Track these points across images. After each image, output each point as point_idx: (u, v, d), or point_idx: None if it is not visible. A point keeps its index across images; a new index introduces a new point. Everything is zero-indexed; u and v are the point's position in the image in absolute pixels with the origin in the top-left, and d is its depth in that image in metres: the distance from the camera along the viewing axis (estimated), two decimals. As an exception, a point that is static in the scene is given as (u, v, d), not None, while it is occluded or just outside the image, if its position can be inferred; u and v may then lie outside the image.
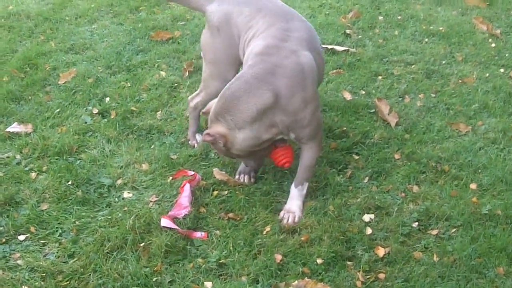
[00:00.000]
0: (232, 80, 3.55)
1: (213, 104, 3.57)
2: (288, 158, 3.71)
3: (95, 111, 4.86)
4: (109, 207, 3.77)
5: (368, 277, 3.16)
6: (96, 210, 3.76)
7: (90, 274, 3.22)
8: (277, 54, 3.54)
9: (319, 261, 3.23)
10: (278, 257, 3.26)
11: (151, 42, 6.05)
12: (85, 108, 4.92)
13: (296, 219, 3.55)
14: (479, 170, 4.01)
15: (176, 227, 3.47)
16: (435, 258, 3.26)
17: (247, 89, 3.43)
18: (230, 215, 3.62)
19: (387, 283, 3.12)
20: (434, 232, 3.48)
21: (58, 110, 4.87)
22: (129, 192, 3.89)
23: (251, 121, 3.42)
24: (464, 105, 4.83)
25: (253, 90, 3.42)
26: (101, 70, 5.54)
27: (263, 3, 3.92)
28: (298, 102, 3.47)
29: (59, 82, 5.33)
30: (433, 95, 5.04)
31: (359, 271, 3.19)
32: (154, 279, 3.15)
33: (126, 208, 3.71)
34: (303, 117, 3.51)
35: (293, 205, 3.61)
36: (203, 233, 3.46)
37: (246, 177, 3.90)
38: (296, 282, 3.07)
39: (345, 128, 4.49)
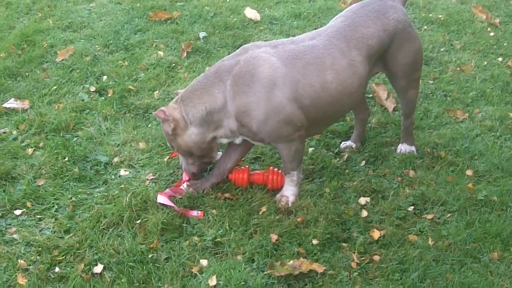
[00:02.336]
0: (201, 74, 3.61)
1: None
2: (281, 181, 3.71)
3: (92, 89, 4.85)
4: (106, 184, 3.77)
5: (363, 258, 3.17)
6: (93, 187, 3.75)
7: (86, 250, 3.22)
8: (242, 54, 3.49)
9: (314, 242, 3.24)
10: (274, 237, 3.26)
11: (149, 22, 6.04)
12: (82, 86, 4.91)
13: (289, 204, 3.55)
14: (476, 157, 4.03)
15: (172, 204, 3.47)
16: (430, 242, 3.27)
17: (205, 84, 3.47)
18: (227, 195, 3.63)
19: (382, 265, 3.13)
20: (430, 216, 3.49)
21: (55, 87, 4.85)
22: (125, 170, 3.89)
23: (200, 120, 3.48)
24: (462, 92, 4.84)
25: (208, 87, 3.45)
26: (98, 48, 5.52)
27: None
28: (240, 106, 3.39)
29: (56, 60, 5.31)
30: (431, 81, 5.04)
31: (354, 252, 3.21)
32: (150, 256, 3.16)
33: (122, 186, 3.71)
34: (248, 124, 3.41)
35: (287, 189, 3.61)
36: (199, 212, 3.47)
37: (191, 189, 3.67)
38: (291, 262, 3.07)
39: (342, 112, 4.49)
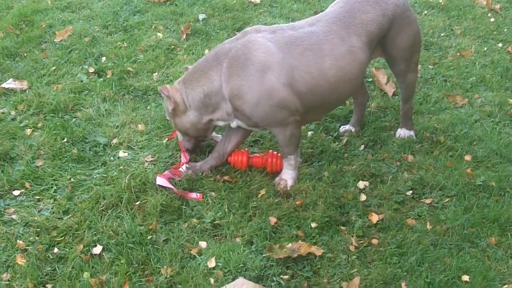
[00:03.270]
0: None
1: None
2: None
3: (91, 70, 4.83)
4: (105, 166, 3.77)
5: (361, 242, 3.18)
6: (92, 168, 3.75)
7: (85, 231, 3.22)
8: (241, 38, 3.49)
9: (313, 225, 3.25)
10: (273, 220, 3.27)
11: (148, 3, 6.00)
12: (81, 67, 4.89)
13: (288, 187, 3.55)
14: (474, 142, 4.03)
15: (171, 186, 3.47)
16: (428, 226, 3.28)
17: (204, 68, 3.51)
18: (226, 177, 3.63)
19: (380, 249, 3.14)
20: (428, 201, 3.50)
21: (53, 68, 4.83)
22: (124, 152, 3.88)
23: (199, 102, 3.53)
24: (462, 77, 4.83)
25: (207, 70, 3.49)
26: (97, 29, 5.49)
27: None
28: (233, 89, 3.40)
29: (55, 40, 5.28)
30: (430, 66, 5.03)
31: (352, 236, 3.21)
32: (149, 237, 3.16)
33: (121, 167, 3.70)
34: (240, 107, 3.42)
35: (285, 173, 3.61)
36: (198, 194, 3.47)
37: (190, 171, 3.67)
38: (290, 244, 3.08)
39: (342, 96, 4.48)
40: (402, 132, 4.09)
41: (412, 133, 4.08)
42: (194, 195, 3.46)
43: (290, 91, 3.38)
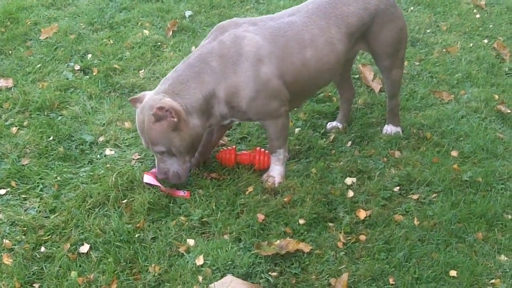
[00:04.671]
0: (180, 63, 3.44)
1: (148, 93, 3.40)
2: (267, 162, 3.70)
3: (77, 67, 4.80)
4: (91, 164, 3.74)
5: (349, 238, 3.19)
6: (78, 167, 3.73)
7: (71, 229, 3.20)
8: (221, 35, 3.42)
9: (301, 221, 3.25)
10: (261, 217, 3.27)
11: (134, 0, 5.97)
12: (66, 64, 4.85)
13: (276, 183, 3.55)
14: (461, 138, 4.05)
15: (158, 184, 3.46)
16: (416, 222, 3.30)
17: (193, 73, 3.31)
18: (213, 175, 3.62)
19: (368, 245, 3.15)
20: (415, 196, 3.51)
21: (39, 66, 4.80)
22: (111, 150, 3.86)
23: (200, 109, 3.32)
24: (448, 74, 4.85)
25: (197, 75, 3.31)
26: (83, 26, 5.45)
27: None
28: (230, 88, 3.34)
29: (40, 37, 5.24)
30: (417, 63, 5.05)
31: (340, 232, 3.22)
32: (136, 235, 3.15)
33: (108, 165, 3.68)
34: (238, 104, 3.38)
35: (273, 169, 3.61)
36: (185, 192, 3.46)
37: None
38: (278, 241, 3.08)
39: (329, 94, 4.49)
40: (389, 128, 4.10)
41: (399, 129, 4.10)
42: (181, 193, 3.45)
43: (281, 82, 3.40)
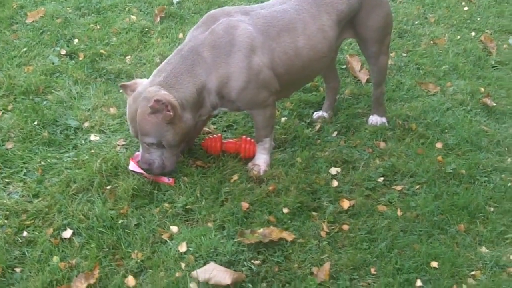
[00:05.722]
0: (173, 53, 3.41)
1: (143, 80, 3.41)
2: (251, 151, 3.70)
3: (63, 52, 4.76)
4: (76, 149, 3.73)
5: (332, 227, 3.20)
6: (62, 152, 3.71)
7: (54, 214, 3.19)
8: (213, 24, 3.39)
9: (285, 210, 3.26)
10: (245, 205, 3.27)
11: (123, -15, 5.91)
12: (52, 49, 4.82)
13: (261, 172, 3.56)
14: (446, 130, 4.07)
15: (142, 171, 3.44)
16: (399, 213, 3.31)
17: (186, 65, 3.29)
18: (199, 162, 3.62)
19: (351, 234, 3.16)
20: (399, 187, 3.53)
21: (25, 50, 4.76)
22: (96, 135, 3.85)
23: (193, 103, 3.32)
24: (434, 65, 4.87)
25: (190, 67, 3.29)
26: (70, 11, 5.41)
27: None
28: (222, 78, 3.32)
29: (26, 21, 5.20)
30: (404, 54, 5.06)
31: (324, 221, 3.23)
32: (120, 222, 3.14)
33: (93, 151, 3.67)
34: (228, 94, 3.38)
35: (259, 158, 3.62)
36: (170, 178, 3.45)
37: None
38: (261, 229, 3.09)
39: (316, 83, 4.49)
40: (374, 119, 4.11)
41: (384, 119, 4.11)
42: (166, 179, 3.45)
43: (272, 73, 3.41)
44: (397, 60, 4.90)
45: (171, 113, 3.18)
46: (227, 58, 3.31)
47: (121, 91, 4.25)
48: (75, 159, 3.60)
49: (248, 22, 3.39)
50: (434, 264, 2.98)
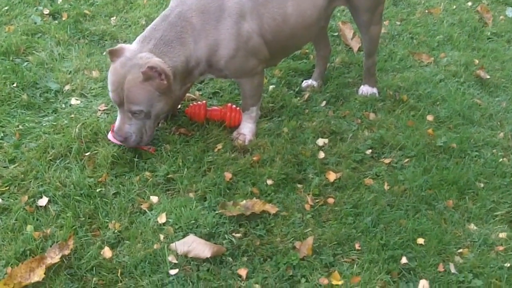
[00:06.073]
0: (158, 18, 3.22)
1: (130, 46, 3.16)
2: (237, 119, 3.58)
3: (46, 11, 4.60)
4: (55, 113, 3.60)
5: (317, 201, 3.11)
6: (41, 116, 3.58)
7: (30, 181, 3.08)
8: None
9: (269, 182, 3.16)
10: (228, 175, 3.17)
11: None
12: (35, 8, 4.66)
13: (246, 141, 3.45)
14: (438, 102, 3.96)
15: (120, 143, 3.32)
16: (386, 187, 3.22)
17: (176, 32, 3.12)
18: (182, 130, 3.50)
19: (336, 208, 3.07)
20: (387, 160, 3.43)
21: (6, 8, 4.59)
22: (77, 99, 3.72)
23: (182, 73, 3.18)
24: (429, 35, 4.74)
25: (180, 34, 3.12)
26: (54, -32, 5.22)
27: None
28: (211, 45, 3.18)
29: (8, -22, 5.01)
30: (398, 23, 4.92)
31: (308, 194, 3.14)
32: (98, 190, 3.03)
33: (72, 116, 3.55)
34: (217, 62, 3.24)
35: (244, 127, 3.50)
36: (151, 147, 3.33)
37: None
38: (244, 201, 2.99)
39: (306, 51, 4.36)
40: (364, 89, 4.00)
41: (375, 90, 4.00)
42: (146, 147, 3.33)
43: (262, 40, 3.28)
44: (390, 28, 4.77)
45: (165, 82, 3.04)
46: (216, 24, 3.17)
47: (104, 53, 4.13)
48: (54, 123, 3.48)
49: None
50: (421, 240, 2.90)
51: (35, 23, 4.44)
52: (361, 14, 3.73)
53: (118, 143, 3.29)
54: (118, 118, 3.19)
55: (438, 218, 3.08)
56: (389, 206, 3.12)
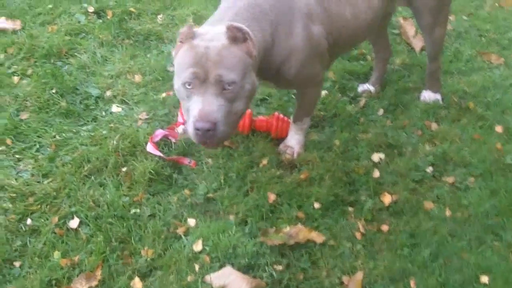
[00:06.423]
0: (221, 6, 2.79)
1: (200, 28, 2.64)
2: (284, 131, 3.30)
3: (91, 9, 4.43)
4: (95, 121, 3.43)
5: (369, 227, 2.82)
6: (80, 124, 3.41)
7: (63, 199, 2.90)
8: None
9: (316, 205, 2.89)
10: (272, 196, 2.92)
11: None
12: (80, 6, 4.48)
13: (295, 155, 3.18)
14: (508, 111, 3.59)
15: (160, 154, 3.11)
16: (447, 213, 2.91)
17: (251, 15, 2.67)
18: (226, 142, 3.25)
19: (390, 237, 2.78)
20: (450, 180, 3.11)
21: (50, 6, 4.44)
22: (118, 106, 3.53)
23: (259, 60, 2.66)
24: (499, 32, 4.35)
25: (257, 18, 2.67)
26: (101, -38, 5.04)
27: None
28: (285, 51, 2.76)
29: (55, -27, 4.86)
30: (465, 17, 4.54)
31: (360, 219, 2.85)
32: (132, 211, 2.83)
33: (112, 125, 3.36)
34: (288, 71, 2.82)
35: (292, 139, 3.22)
36: (192, 160, 3.11)
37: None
38: (288, 228, 2.74)
39: (364, 51, 4.03)
40: (427, 95, 3.67)
41: (438, 96, 3.65)
42: (187, 161, 3.11)
43: (327, 43, 2.93)
44: (456, 24, 4.39)
45: (252, 48, 2.52)
46: (288, 28, 2.75)
47: (148, 55, 3.93)
48: (92, 134, 3.30)
49: None
50: (485, 279, 2.58)
51: (79, 22, 4.28)
52: (424, 16, 3.39)
53: (159, 154, 3.11)
54: (198, 101, 2.44)
55: (505, 251, 2.74)
56: (450, 235, 2.81)
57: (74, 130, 3.35)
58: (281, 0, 2.78)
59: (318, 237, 2.71)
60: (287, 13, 2.76)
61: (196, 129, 2.42)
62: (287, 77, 2.86)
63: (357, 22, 3.06)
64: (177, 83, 2.53)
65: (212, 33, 2.52)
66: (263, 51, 2.64)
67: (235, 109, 2.50)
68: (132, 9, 4.39)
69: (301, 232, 2.72)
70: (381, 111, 3.57)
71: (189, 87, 2.45)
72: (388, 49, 3.75)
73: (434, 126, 3.47)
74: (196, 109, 2.43)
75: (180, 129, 3.29)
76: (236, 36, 2.48)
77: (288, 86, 3.14)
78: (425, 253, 2.69)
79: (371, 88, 3.73)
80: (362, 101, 3.63)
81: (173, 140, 3.26)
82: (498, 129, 3.45)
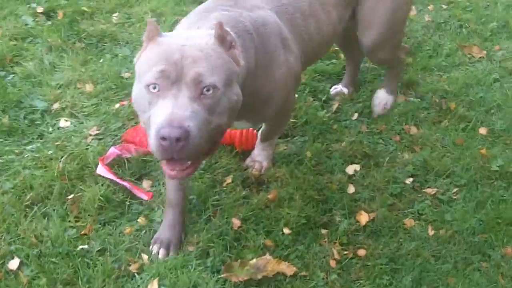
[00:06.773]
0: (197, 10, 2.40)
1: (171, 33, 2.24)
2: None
3: (40, 9, 4.07)
4: (41, 139, 3.09)
5: (345, 253, 2.54)
6: (24, 143, 3.07)
7: (2, 236, 2.57)
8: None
9: (286, 230, 2.60)
10: (236, 222, 2.62)
11: None
12: (28, 6, 4.12)
13: (263, 170, 2.89)
14: (492, 110, 3.34)
15: (113, 177, 2.80)
16: (430, 231, 2.64)
17: (235, 29, 2.24)
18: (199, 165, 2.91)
19: (368, 263, 2.51)
20: (432, 191, 2.85)
21: (-5, 7, 4.09)
22: (66, 120, 3.21)
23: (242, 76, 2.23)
24: (480, 22, 4.07)
25: (240, 34, 2.24)
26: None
27: None
28: (265, 86, 2.36)
29: (0, -29, 4.48)
30: (444, 6, 4.26)
31: (335, 243, 2.58)
32: (79, 247, 2.51)
33: (59, 142, 3.03)
34: (268, 110, 2.46)
35: (260, 153, 2.93)
36: (148, 192, 2.78)
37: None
38: (254, 260, 2.45)
39: (336, 49, 3.73)
40: (380, 95, 3.33)
41: (391, 99, 3.33)
42: (142, 195, 2.77)
43: (300, 66, 2.58)
44: (435, 15, 4.10)
45: (238, 55, 2.11)
46: (269, 58, 2.35)
47: (101, 60, 3.60)
48: (37, 155, 2.96)
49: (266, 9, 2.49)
50: (473, 309, 2.33)
51: (26, 24, 3.92)
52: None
53: (111, 177, 2.79)
54: (167, 104, 1.93)
55: (494, 272, 2.49)
56: (433, 257, 2.56)
57: (17, 151, 3.01)
58: (260, 25, 2.35)
59: (288, 269, 2.43)
60: (269, 41, 2.35)
61: (162, 138, 1.88)
62: (265, 115, 2.52)
63: (320, 37, 2.70)
64: (137, 88, 2.06)
65: (188, 34, 2.12)
66: (246, 75, 2.20)
67: (214, 122, 2.00)
68: (85, 8, 4.05)
69: (269, 264, 2.43)
70: (355, 115, 3.29)
71: (154, 90, 1.95)
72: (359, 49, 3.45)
73: (413, 130, 3.20)
74: (163, 114, 1.92)
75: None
76: (224, 37, 2.06)
77: (261, 121, 2.76)
78: (407, 280, 2.42)
79: (345, 90, 3.44)
80: (335, 105, 3.35)
81: (127, 156, 2.95)
82: (482, 131, 3.19)
